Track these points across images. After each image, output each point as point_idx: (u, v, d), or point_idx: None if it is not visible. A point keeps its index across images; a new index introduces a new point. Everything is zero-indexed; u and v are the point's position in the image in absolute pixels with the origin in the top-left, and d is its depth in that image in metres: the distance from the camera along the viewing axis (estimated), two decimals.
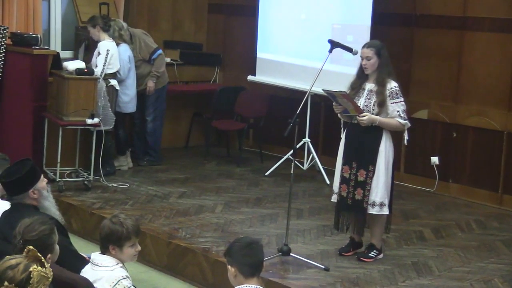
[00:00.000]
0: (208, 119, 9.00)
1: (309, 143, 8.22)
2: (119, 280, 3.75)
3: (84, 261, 4.05)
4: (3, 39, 7.49)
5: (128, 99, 7.99)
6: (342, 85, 5.80)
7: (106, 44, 7.53)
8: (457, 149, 7.62)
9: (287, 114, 6.31)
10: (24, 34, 7.60)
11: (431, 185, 7.77)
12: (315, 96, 7.98)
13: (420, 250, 5.89)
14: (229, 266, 3.46)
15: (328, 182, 7.69)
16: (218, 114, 9.03)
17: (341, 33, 7.63)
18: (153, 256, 5.94)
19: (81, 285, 3.67)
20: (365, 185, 5.43)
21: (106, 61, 7.46)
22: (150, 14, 9.37)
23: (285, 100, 8.57)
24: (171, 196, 7.16)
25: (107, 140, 7.52)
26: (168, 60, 8.87)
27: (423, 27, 7.83)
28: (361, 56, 5.49)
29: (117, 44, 7.71)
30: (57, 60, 7.65)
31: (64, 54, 8.41)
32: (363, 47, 5.49)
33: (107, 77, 7.51)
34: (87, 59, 7.91)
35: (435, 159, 7.72)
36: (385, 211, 5.49)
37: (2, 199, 4.51)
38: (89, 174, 7.30)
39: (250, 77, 8.93)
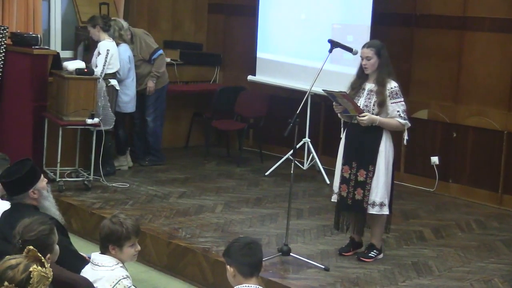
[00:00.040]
0: (208, 119, 9.00)
1: (309, 143, 8.23)
2: (120, 280, 3.75)
3: (84, 261, 4.05)
4: (3, 39, 7.49)
5: (128, 99, 7.99)
6: (342, 85, 5.80)
7: (106, 44, 7.53)
8: (457, 149, 7.62)
9: (287, 114, 6.31)
10: (24, 34, 7.60)
11: (431, 185, 7.77)
12: (315, 96, 7.98)
13: (420, 250, 5.89)
14: (228, 266, 3.46)
15: (328, 182, 7.69)
16: (218, 114, 9.03)
17: (341, 33, 7.63)
18: (153, 256, 5.94)
19: (81, 285, 3.67)
20: (365, 185, 5.43)
21: (106, 61, 7.46)
22: (150, 14, 9.37)
23: (285, 100, 8.57)
24: (171, 196, 7.16)
25: (107, 140, 7.52)
26: (168, 60, 8.87)
27: (423, 27, 7.83)
28: (361, 56, 5.49)
29: (117, 44, 7.70)
30: (57, 60, 7.65)
31: (64, 54, 8.41)
32: (363, 47, 5.49)
33: (107, 77, 7.51)
34: (87, 59, 7.91)
35: (435, 159, 7.72)
36: (385, 211, 5.49)
37: (2, 199, 4.51)
38: (89, 174, 7.31)
39: (250, 77, 8.94)
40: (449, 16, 7.62)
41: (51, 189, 4.48)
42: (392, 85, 5.41)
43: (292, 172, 5.52)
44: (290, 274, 5.25)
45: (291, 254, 5.43)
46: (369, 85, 5.47)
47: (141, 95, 8.21)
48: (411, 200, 7.39)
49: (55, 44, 8.66)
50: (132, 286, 3.80)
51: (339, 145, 5.66)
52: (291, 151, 5.63)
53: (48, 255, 3.38)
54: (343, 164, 5.55)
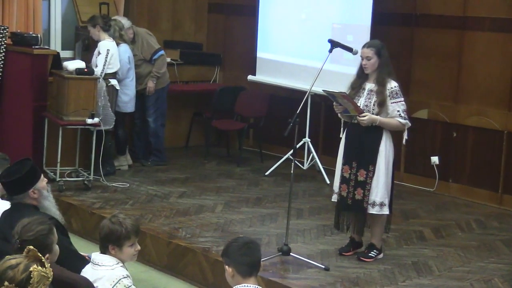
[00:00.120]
0: (208, 119, 9.00)
1: (309, 143, 8.23)
2: (120, 279, 3.75)
3: (84, 261, 4.05)
4: (3, 39, 7.49)
5: (128, 99, 7.99)
6: (342, 85, 5.80)
7: (106, 44, 7.53)
8: (457, 149, 7.62)
9: (287, 114, 6.31)
10: (24, 34, 7.60)
11: (431, 185, 7.77)
12: (315, 96, 7.98)
13: (420, 250, 5.89)
14: (226, 267, 3.45)
15: (328, 182, 7.69)
16: (218, 114, 9.03)
17: (341, 32, 7.63)
18: (153, 256, 5.94)
19: (81, 285, 3.67)
20: (365, 185, 5.43)
21: (106, 60, 7.45)
22: (150, 14, 9.37)
23: (285, 100, 8.57)
24: (171, 196, 7.16)
25: (107, 140, 7.52)
26: (168, 60, 8.87)
27: (423, 27, 7.83)
28: (361, 56, 5.49)
29: (117, 44, 7.70)
30: (57, 60, 7.65)
31: (64, 54, 8.41)
32: (363, 47, 5.49)
33: (107, 76, 7.51)
34: (87, 58, 7.91)
35: (435, 159, 7.72)
36: (385, 211, 5.49)
37: (2, 199, 4.51)
38: (89, 174, 7.31)
39: (250, 77, 8.94)
40: (449, 16, 7.62)
41: (51, 189, 4.48)
42: (392, 85, 5.41)
43: (292, 172, 5.53)
44: (290, 274, 5.25)
45: (291, 254, 5.43)
46: (369, 85, 5.47)
47: (141, 95, 8.21)
48: (411, 200, 7.39)
49: (55, 44, 8.67)
50: (132, 286, 3.80)
51: (339, 145, 5.66)
52: (291, 151, 5.63)
53: (47, 255, 3.38)
54: (343, 164, 5.55)
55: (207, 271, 5.53)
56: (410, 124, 5.52)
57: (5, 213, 4.18)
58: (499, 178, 7.28)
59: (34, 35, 7.59)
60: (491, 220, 6.86)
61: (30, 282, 2.90)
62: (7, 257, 3.04)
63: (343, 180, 5.54)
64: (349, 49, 5.78)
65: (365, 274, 5.30)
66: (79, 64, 7.26)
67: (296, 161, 5.78)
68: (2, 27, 7.51)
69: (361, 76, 5.52)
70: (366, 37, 7.21)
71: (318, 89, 6.61)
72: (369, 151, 5.43)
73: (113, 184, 7.38)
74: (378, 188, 5.42)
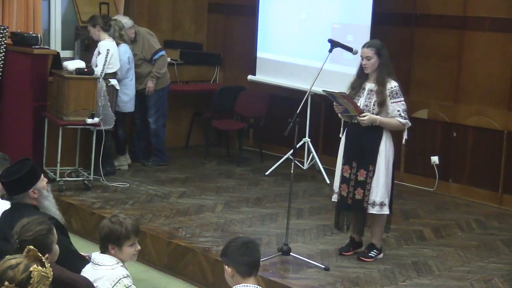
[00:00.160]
0: (208, 119, 9.00)
1: (309, 142, 8.23)
2: (120, 279, 3.76)
3: (85, 261, 4.05)
4: (3, 39, 7.49)
5: (128, 99, 7.99)
6: (342, 85, 5.80)
7: (106, 44, 7.53)
8: (457, 149, 7.62)
9: (287, 114, 6.31)
10: (24, 33, 7.60)
11: (431, 184, 7.77)
12: (315, 96, 7.98)
13: (420, 250, 5.89)
14: (226, 267, 3.45)
15: (328, 181, 7.69)
16: (218, 114, 9.03)
17: (341, 32, 7.63)
18: (153, 255, 5.94)
19: (81, 285, 3.67)
20: (365, 185, 5.43)
21: (106, 60, 7.45)
22: (150, 14, 9.37)
23: (285, 99, 8.57)
24: (171, 195, 7.16)
25: (107, 139, 7.52)
26: (168, 59, 8.86)
27: (423, 26, 7.83)
28: (361, 56, 5.49)
29: (117, 44, 7.70)
30: (57, 60, 7.65)
31: (64, 53, 8.41)
32: (363, 46, 5.49)
33: (107, 76, 7.51)
34: (87, 58, 7.91)
35: (435, 159, 7.72)
36: (385, 211, 5.49)
37: (2, 199, 4.51)
38: (89, 174, 7.31)
39: (250, 77, 8.94)
40: (449, 16, 7.62)
41: (51, 189, 4.48)
42: (392, 84, 5.41)
43: (292, 171, 5.53)
44: (290, 273, 5.25)
45: (291, 253, 5.43)
46: (369, 85, 5.47)
47: (141, 95, 8.21)
48: (411, 200, 7.39)
49: (55, 44, 8.67)
50: (132, 285, 3.81)
51: (339, 144, 5.66)
52: (291, 151, 5.63)
53: (47, 255, 3.38)
54: (343, 164, 5.55)
55: (207, 271, 5.53)
56: (410, 124, 5.52)
57: (5, 213, 4.19)
58: (499, 178, 7.29)
59: (34, 35, 7.59)
60: (491, 220, 6.86)
61: (30, 282, 2.90)
62: (7, 257, 3.04)
63: (343, 180, 5.54)
64: (349, 49, 5.78)
65: (365, 274, 5.30)
66: (79, 64, 7.26)
67: (296, 161, 5.78)
68: (2, 27, 7.51)
69: (361, 76, 5.52)
70: (366, 37, 7.21)
71: (318, 89, 6.61)
72: (369, 151, 5.43)
73: (113, 184, 7.39)
74: (378, 188, 5.42)
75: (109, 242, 3.81)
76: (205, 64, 9.69)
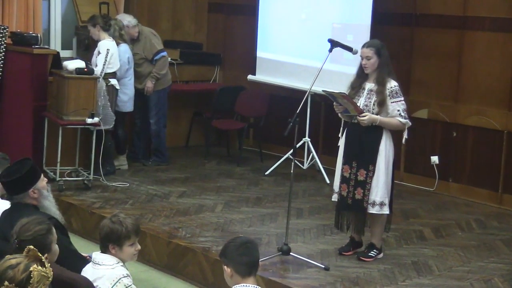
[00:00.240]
0: (208, 119, 9.00)
1: (309, 142, 8.23)
2: (120, 278, 3.76)
3: (85, 261, 4.05)
4: (3, 39, 7.49)
5: (127, 98, 7.99)
6: (342, 85, 5.80)
7: (106, 44, 7.53)
8: (457, 149, 7.62)
9: (287, 114, 6.31)
10: (24, 33, 7.60)
11: (431, 184, 7.77)
12: (315, 96, 7.98)
13: (420, 250, 5.89)
14: (225, 267, 3.45)
15: (328, 181, 7.69)
16: (218, 114, 9.03)
17: (341, 32, 7.63)
18: (153, 255, 5.94)
19: (81, 285, 3.67)
20: (365, 185, 5.43)
21: (106, 60, 7.45)
22: (150, 13, 9.37)
23: (285, 99, 8.57)
24: (171, 195, 7.16)
25: (107, 139, 7.52)
26: (169, 59, 8.86)
27: (423, 26, 7.83)
28: (361, 56, 5.49)
29: (117, 44, 7.70)
30: (57, 60, 7.65)
31: (64, 53, 8.41)
32: (363, 46, 5.49)
33: (107, 76, 7.51)
34: (87, 58, 7.90)
35: (435, 159, 7.72)
36: (385, 210, 5.49)
37: (2, 199, 4.51)
38: (89, 174, 7.31)
39: (250, 77, 8.94)
40: (449, 16, 7.61)
41: (51, 189, 4.48)
42: (392, 84, 5.41)
43: (292, 171, 5.53)
44: (290, 273, 5.25)
45: (291, 253, 5.43)
46: (369, 85, 5.47)
47: (142, 95, 8.21)
48: (411, 200, 7.40)
49: (55, 43, 8.66)
50: (132, 285, 3.81)
51: (339, 144, 5.66)
52: (291, 151, 5.62)
53: (46, 254, 3.38)
54: (343, 163, 5.56)
55: (207, 270, 5.53)
56: (410, 124, 5.52)
57: (5, 212, 4.19)
58: (499, 177, 7.29)
59: (34, 34, 7.59)
60: (491, 219, 6.86)
61: (30, 282, 2.90)
62: (7, 256, 3.04)
63: (343, 179, 5.54)
64: (349, 49, 5.78)
65: (365, 273, 5.30)
66: (79, 63, 7.26)
67: (296, 161, 5.78)
68: (2, 27, 7.51)
69: (361, 76, 5.52)
70: (366, 37, 7.21)
71: (318, 88, 6.61)
72: (369, 151, 5.43)
73: (113, 184, 7.38)
74: (378, 188, 5.42)
75: (109, 242, 3.82)
76: (205, 64, 9.69)
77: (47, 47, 8.20)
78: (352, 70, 5.74)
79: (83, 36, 8.44)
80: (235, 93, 9.09)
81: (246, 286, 3.39)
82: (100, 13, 8.31)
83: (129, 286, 3.78)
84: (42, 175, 4.30)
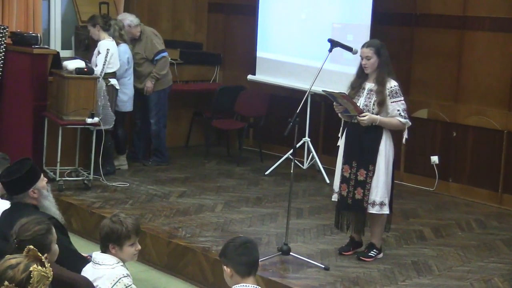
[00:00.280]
0: (208, 119, 9.00)
1: (309, 142, 8.23)
2: (120, 278, 3.76)
3: (85, 261, 4.05)
4: (3, 39, 7.49)
5: (126, 98, 7.99)
6: (342, 85, 5.80)
7: (106, 43, 7.53)
8: (457, 149, 7.62)
9: (287, 114, 6.31)
10: (24, 33, 7.60)
11: (431, 184, 7.77)
12: (315, 96, 7.98)
13: (420, 250, 5.89)
14: (224, 267, 3.45)
15: (328, 181, 7.69)
16: (218, 114, 9.03)
17: (341, 32, 7.63)
18: (153, 255, 5.94)
19: (81, 285, 3.67)
20: (365, 185, 5.43)
21: (106, 60, 7.45)
22: (150, 13, 9.36)
23: (285, 99, 8.57)
24: (171, 195, 7.16)
25: (107, 139, 7.52)
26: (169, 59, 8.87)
27: (423, 26, 7.83)
28: (360, 56, 5.49)
29: (117, 44, 7.70)
30: (57, 60, 7.65)
31: (64, 53, 8.40)
32: (363, 46, 5.49)
33: (107, 76, 7.51)
34: (87, 58, 7.90)
35: (435, 159, 7.72)
36: (385, 210, 5.49)
37: (2, 199, 4.51)
38: (89, 174, 7.31)
39: (250, 77, 8.94)
40: (449, 16, 7.61)
41: (51, 189, 4.48)
42: (392, 84, 5.41)
43: (292, 171, 5.53)
44: (290, 273, 5.25)
45: (291, 253, 5.43)
46: (369, 85, 5.47)
47: (142, 95, 8.21)
48: (411, 200, 7.40)
49: (55, 43, 8.66)
50: (132, 285, 3.81)
51: (339, 144, 5.66)
52: (291, 151, 5.62)
53: (45, 254, 3.38)
54: (344, 163, 5.55)
55: (207, 270, 5.53)
56: (410, 123, 5.51)
57: (5, 212, 4.19)
58: (499, 177, 7.29)
59: (34, 34, 7.59)
60: (491, 219, 6.86)
61: (30, 282, 2.90)
62: (7, 256, 3.04)
63: (343, 179, 5.54)
64: (349, 49, 5.78)
65: (365, 273, 5.30)
66: (79, 63, 7.26)
67: (296, 161, 5.79)
68: (2, 27, 7.51)
69: (361, 76, 5.52)
70: (366, 36, 7.21)
71: (318, 88, 6.61)
72: (369, 151, 5.43)
73: (113, 184, 7.38)
74: (378, 188, 5.42)
75: (109, 242, 3.82)
76: (205, 64, 9.69)
77: (47, 47, 8.19)
78: (352, 70, 5.74)
79: (83, 36, 8.44)
80: (235, 93, 9.08)
81: (246, 286, 3.39)
82: (100, 13, 8.31)
83: (129, 286, 3.78)
84: (42, 175, 4.30)
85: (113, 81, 7.59)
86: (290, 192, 5.48)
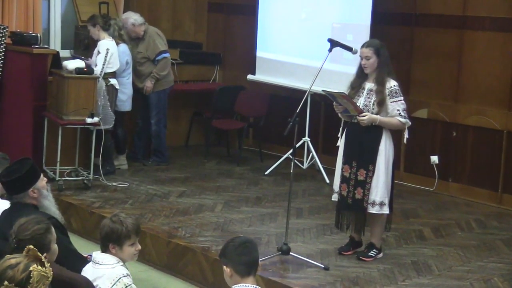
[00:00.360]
0: (208, 119, 9.00)
1: (309, 142, 8.23)
2: (120, 278, 3.76)
3: (84, 261, 4.05)
4: (3, 38, 7.49)
5: (125, 98, 7.99)
6: (342, 84, 5.80)
7: (106, 43, 7.53)
8: (457, 148, 7.62)
9: (287, 113, 6.31)
10: (24, 33, 7.60)
11: (431, 184, 7.77)
12: (315, 95, 7.98)
13: (420, 249, 5.89)
14: (224, 267, 3.45)
15: (328, 181, 7.69)
16: (218, 114, 9.02)
17: (341, 32, 7.63)
18: (153, 255, 5.94)
19: (81, 285, 3.67)
20: (365, 185, 5.43)
21: (106, 60, 7.46)
22: (150, 13, 9.36)
23: (285, 99, 8.57)
24: (171, 195, 7.16)
25: (107, 139, 7.52)
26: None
27: (423, 26, 7.83)
28: (360, 56, 5.49)
29: (117, 44, 7.70)
30: (57, 59, 7.65)
31: (63, 53, 8.40)
32: (362, 46, 5.49)
33: (107, 76, 7.51)
34: (87, 58, 7.90)
35: (435, 158, 7.72)
36: (385, 210, 5.49)
37: (2, 198, 4.51)
38: (89, 173, 7.31)
39: (250, 76, 8.94)
40: (449, 16, 7.62)
41: (51, 188, 4.48)
42: (392, 84, 5.41)
43: (291, 171, 5.53)
44: (290, 273, 5.25)
45: (290, 253, 5.43)
46: (369, 85, 5.47)
47: (143, 95, 8.21)
48: (411, 199, 7.40)
49: (55, 43, 8.66)
50: (132, 285, 3.81)
51: (339, 144, 5.66)
52: (291, 150, 5.62)
53: (45, 254, 3.37)
54: (343, 163, 5.56)
55: (207, 270, 5.53)
56: (410, 123, 5.52)
57: (5, 212, 4.19)
58: (499, 177, 7.29)
59: (33, 34, 7.59)
60: (491, 219, 6.86)
61: (30, 281, 2.90)
62: (7, 256, 3.04)
63: (343, 179, 5.54)
64: (349, 49, 5.78)
65: (364, 273, 5.30)
66: (79, 63, 7.26)
67: (295, 161, 5.78)
68: (2, 27, 7.51)
69: (361, 76, 5.52)
70: (365, 36, 7.21)
71: (318, 88, 6.61)
72: (369, 151, 5.43)
73: (113, 184, 7.38)
74: (378, 188, 5.42)
75: (109, 242, 3.82)
76: (205, 64, 9.69)
77: (46, 46, 8.20)
78: (352, 70, 5.74)
79: (82, 36, 8.44)
80: (235, 93, 9.08)
81: (245, 286, 3.39)
82: (100, 13, 8.31)
83: (129, 285, 3.78)
84: (41, 175, 4.30)
85: (113, 81, 7.59)
86: (290, 192, 5.48)
